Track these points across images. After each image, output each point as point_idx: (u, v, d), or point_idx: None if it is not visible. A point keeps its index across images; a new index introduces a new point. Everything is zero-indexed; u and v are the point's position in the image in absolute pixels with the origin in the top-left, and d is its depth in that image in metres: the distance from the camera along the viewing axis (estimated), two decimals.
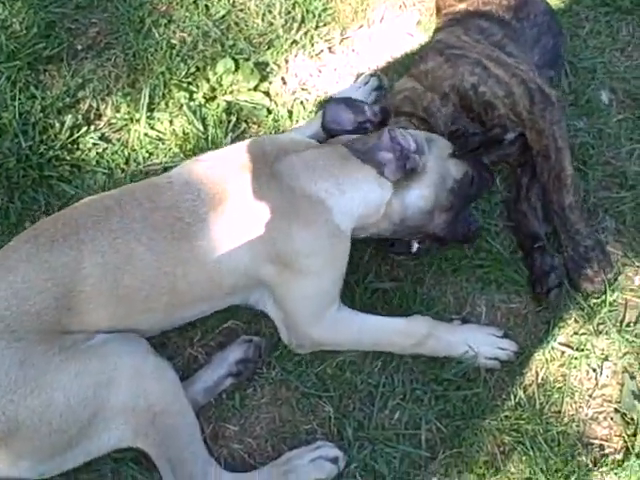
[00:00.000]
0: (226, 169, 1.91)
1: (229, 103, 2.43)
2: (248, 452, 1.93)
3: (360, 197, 1.90)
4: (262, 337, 2.03)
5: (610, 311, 2.15)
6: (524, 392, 2.03)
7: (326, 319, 1.92)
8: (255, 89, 2.47)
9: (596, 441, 2.00)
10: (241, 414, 1.97)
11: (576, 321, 2.16)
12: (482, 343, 2.03)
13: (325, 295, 1.91)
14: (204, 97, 2.43)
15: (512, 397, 2.02)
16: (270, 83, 2.50)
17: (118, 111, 2.41)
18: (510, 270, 2.20)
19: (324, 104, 2.27)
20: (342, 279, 1.94)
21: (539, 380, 2.06)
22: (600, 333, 2.13)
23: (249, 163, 1.90)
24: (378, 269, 2.16)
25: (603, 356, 2.11)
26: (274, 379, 2.01)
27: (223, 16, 2.64)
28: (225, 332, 2.07)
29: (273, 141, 1.99)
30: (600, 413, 2.04)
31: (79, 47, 2.55)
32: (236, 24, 2.63)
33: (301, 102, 2.48)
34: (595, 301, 2.17)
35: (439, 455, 1.93)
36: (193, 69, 2.49)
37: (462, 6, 2.42)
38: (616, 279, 2.17)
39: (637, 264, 2.24)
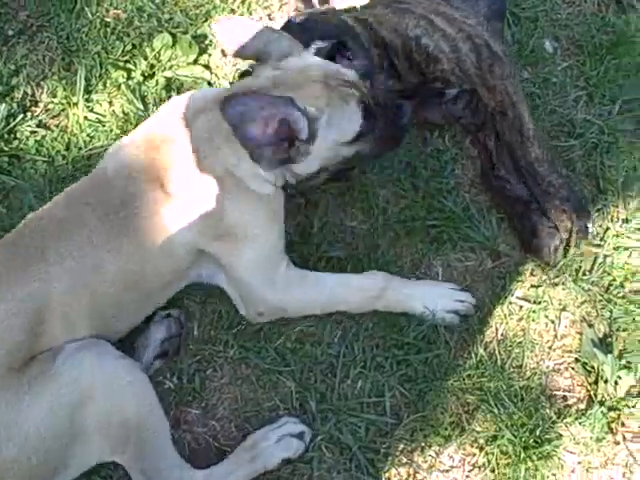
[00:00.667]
0: (152, 147, 1.75)
1: (169, 79, 2.28)
2: (212, 435, 1.83)
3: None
4: (180, 309, 1.92)
5: (566, 262, 2.05)
6: (485, 349, 1.95)
7: (278, 280, 1.81)
8: (195, 63, 2.32)
9: (559, 392, 1.93)
10: (202, 397, 1.87)
11: (532, 274, 2.07)
12: (440, 296, 1.95)
13: (270, 257, 1.80)
14: (142, 75, 2.27)
15: (473, 356, 1.93)
16: (210, 55, 2.35)
17: (55, 96, 2.25)
18: (464, 227, 2.11)
19: None
20: (282, 237, 1.84)
21: (499, 336, 1.98)
22: (557, 285, 2.05)
23: (171, 135, 1.75)
24: (331, 237, 2.05)
25: (561, 307, 2.03)
26: (233, 358, 1.90)
27: None
28: None
29: (192, 101, 1.83)
30: (561, 364, 1.97)
31: (10, 32, 2.37)
32: None
33: (242, 73, 2.32)
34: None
35: (404, 420, 1.85)
36: (129, 47, 2.33)
37: None
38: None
39: (589, 211, 2.14)
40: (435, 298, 1.93)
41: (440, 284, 1.99)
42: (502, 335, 1.98)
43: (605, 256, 2.09)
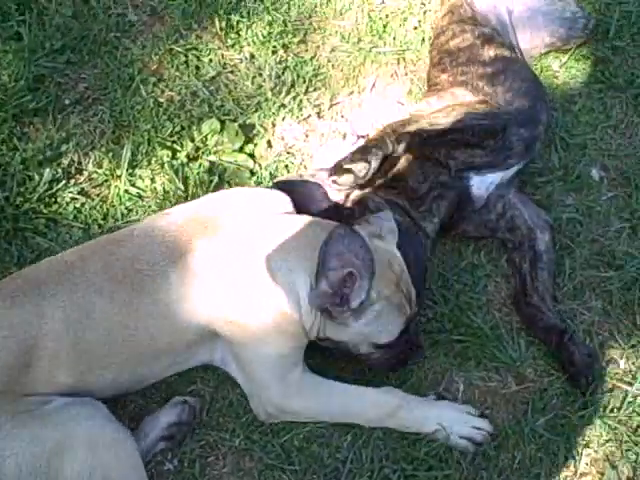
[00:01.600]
0: (189, 223, 1.97)
1: (212, 163, 2.53)
2: None
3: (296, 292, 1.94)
4: (197, 396, 2.06)
5: (593, 395, 2.16)
6: (498, 476, 2.04)
7: (290, 383, 1.97)
8: (240, 150, 2.56)
9: None
10: None
11: (557, 403, 2.17)
12: (456, 421, 2.05)
13: (285, 358, 1.96)
14: (187, 156, 2.52)
15: None
16: (255, 145, 2.59)
17: (100, 167, 2.50)
18: (490, 346, 2.24)
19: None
20: (303, 344, 1.99)
21: (515, 464, 2.07)
22: (582, 418, 2.14)
23: (213, 219, 1.97)
24: None
25: (584, 442, 2.12)
26: (237, 448, 2.03)
27: (213, 77, 2.76)
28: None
29: (243, 197, 2.06)
30: None
31: (67, 101, 2.66)
32: (225, 85, 2.75)
33: (285, 165, 2.57)
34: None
35: None
36: (178, 128, 2.59)
37: (444, 77, 2.54)
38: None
39: (623, 347, 2.26)
40: (451, 422, 2.05)
41: (457, 407, 2.10)
42: (518, 464, 2.07)
43: (636, 396, 2.18)
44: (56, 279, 1.88)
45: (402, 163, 2.33)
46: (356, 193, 2.31)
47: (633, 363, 2.25)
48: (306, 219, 2.02)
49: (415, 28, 2.95)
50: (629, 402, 2.18)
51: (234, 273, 1.92)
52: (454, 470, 2.02)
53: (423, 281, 2.20)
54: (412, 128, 2.26)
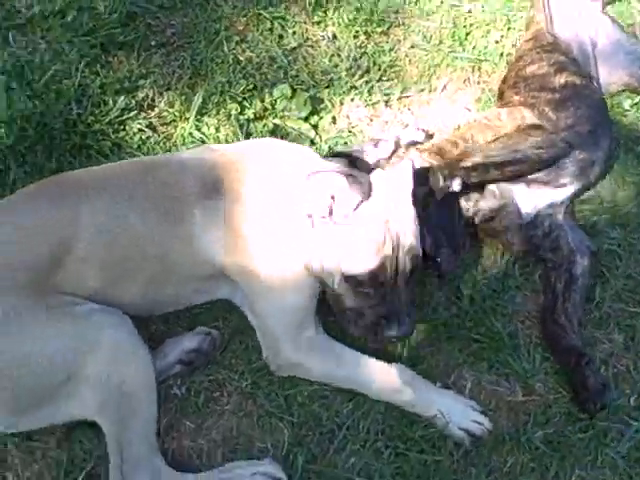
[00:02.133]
0: (226, 164, 2.10)
1: (276, 126, 2.65)
2: (197, 453, 2.04)
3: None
4: (220, 331, 2.18)
5: (596, 421, 2.21)
6: (487, 475, 2.10)
7: (302, 339, 2.07)
8: (305, 120, 2.68)
9: None
10: (202, 414, 2.09)
11: (559, 421, 2.22)
12: (457, 411, 2.12)
13: (297, 313, 2.06)
14: (254, 114, 2.65)
15: (473, 477, 2.08)
16: (320, 118, 2.71)
17: (171, 107, 2.64)
18: (505, 353, 2.30)
19: None
20: (315, 301, 2.11)
21: (506, 468, 2.13)
22: (581, 440, 2.19)
23: (248, 164, 2.10)
24: None
25: (578, 463, 2.17)
26: (243, 390, 2.13)
27: (294, 48, 2.89)
28: None
29: (284, 149, 2.19)
30: None
31: (152, 42, 2.81)
32: (303, 58, 2.87)
33: (345, 142, 2.68)
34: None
35: None
36: (251, 87, 2.72)
37: (516, 98, 2.63)
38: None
39: (637, 383, 2.30)
40: (452, 411, 2.12)
41: (461, 399, 2.17)
42: (509, 468, 2.13)
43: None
44: (95, 187, 2.02)
45: None
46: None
47: None
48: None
49: (496, 42, 3.04)
50: (631, 437, 2.21)
51: (255, 222, 2.04)
52: (445, 458, 2.08)
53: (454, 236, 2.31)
54: (467, 163, 2.35)
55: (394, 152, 2.54)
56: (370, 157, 2.50)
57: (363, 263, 1.95)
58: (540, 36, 2.84)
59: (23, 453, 1.98)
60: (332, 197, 1.94)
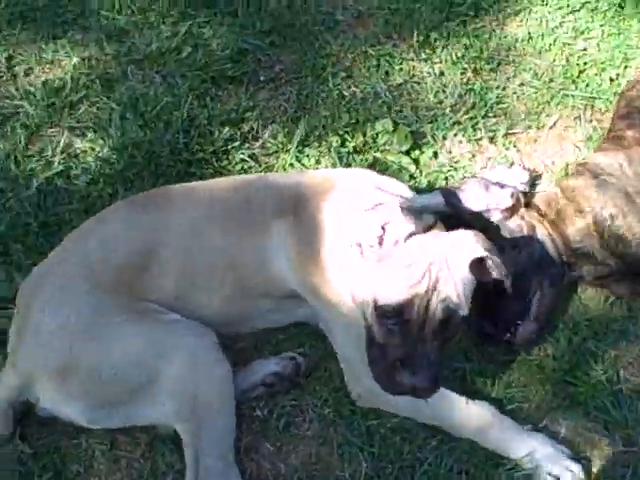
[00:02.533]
0: (309, 189, 2.17)
1: (376, 159, 2.70)
2: (274, 475, 2.07)
3: None
4: (305, 358, 2.21)
5: None
6: None
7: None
8: (406, 154, 2.72)
9: None
10: (282, 437, 2.13)
11: None
12: (549, 456, 2.05)
13: None
14: (355, 148, 2.71)
15: None
16: (422, 152, 2.74)
17: (275, 138, 2.76)
18: (606, 400, 2.21)
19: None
20: None
21: None
22: None
23: (336, 190, 2.15)
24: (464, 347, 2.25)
25: None
26: (325, 417, 2.15)
27: (399, 84, 2.96)
28: None
29: (375, 181, 2.22)
30: None
31: (262, 77, 2.96)
32: (408, 94, 2.93)
33: (445, 177, 2.69)
34: None
35: None
36: (353, 121, 2.80)
37: (630, 133, 2.53)
38: None
39: None
40: (541, 455, 2.05)
41: (552, 443, 2.09)
42: None
43: None
44: (184, 199, 2.18)
45: None
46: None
47: None
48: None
49: (611, 80, 2.98)
50: None
51: (326, 247, 2.08)
52: None
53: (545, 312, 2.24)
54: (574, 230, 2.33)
55: (514, 208, 2.45)
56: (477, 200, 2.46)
57: (393, 293, 1.93)
58: None
59: (108, 461, 2.07)
60: (383, 228, 1.95)
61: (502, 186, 2.48)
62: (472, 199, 2.40)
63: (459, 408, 2.08)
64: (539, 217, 2.37)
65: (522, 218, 2.38)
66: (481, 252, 1.96)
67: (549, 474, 2.04)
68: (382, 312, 1.94)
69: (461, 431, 2.09)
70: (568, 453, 2.09)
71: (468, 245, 1.98)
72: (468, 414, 2.07)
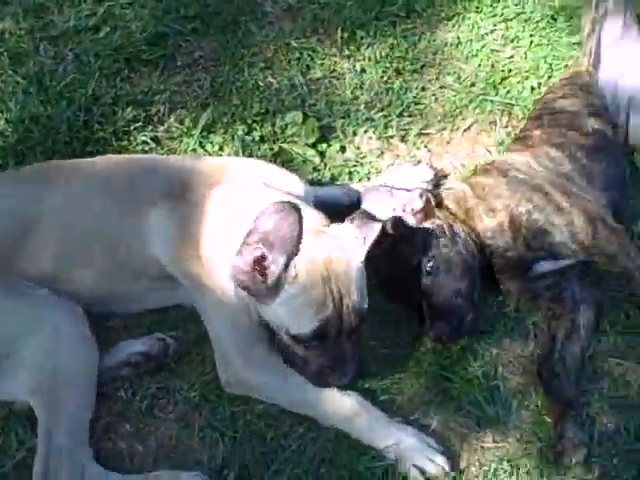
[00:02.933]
0: (195, 175, 2.17)
1: (282, 150, 2.72)
2: (130, 456, 2.06)
3: None
4: (177, 340, 2.18)
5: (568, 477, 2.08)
6: None
7: (252, 357, 2.07)
8: (312, 146, 2.73)
9: None
10: (143, 419, 2.12)
11: (528, 473, 2.10)
12: (414, 448, 2.05)
13: (248, 331, 2.07)
14: (261, 137, 2.72)
15: None
16: (329, 146, 2.76)
17: (181, 123, 2.76)
18: (480, 396, 2.21)
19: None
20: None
21: None
22: None
23: (228, 180, 2.15)
24: None
25: None
26: (191, 400, 2.14)
27: (318, 78, 2.97)
28: None
29: (268, 174, 2.23)
30: None
31: (179, 63, 2.98)
32: (325, 88, 2.95)
33: (350, 172, 2.71)
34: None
35: None
36: (264, 111, 2.80)
37: (537, 133, 2.58)
38: None
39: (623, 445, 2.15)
40: (408, 447, 2.05)
41: (419, 435, 2.09)
42: None
43: None
44: (67, 174, 2.19)
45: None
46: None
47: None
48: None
49: (533, 89, 3.01)
50: None
51: (210, 236, 2.08)
52: None
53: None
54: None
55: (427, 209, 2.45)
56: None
57: (304, 324, 1.98)
58: (578, 75, 2.78)
59: None
60: (260, 261, 1.94)
61: (408, 190, 2.46)
62: (376, 207, 2.37)
63: (327, 397, 2.09)
64: (451, 216, 2.37)
65: (438, 218, 2.38)
66: (362, 251, 2.04)
67: (413, 465, 2.03)
68: (297, 339, 2.01)
69: (328, 419, 2.09)
70: (435, 446, 2.08)
71: (350, 242, 2.04)
72: (336, 403, 2.07)
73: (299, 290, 1.96)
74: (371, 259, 2.12)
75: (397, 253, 2.20)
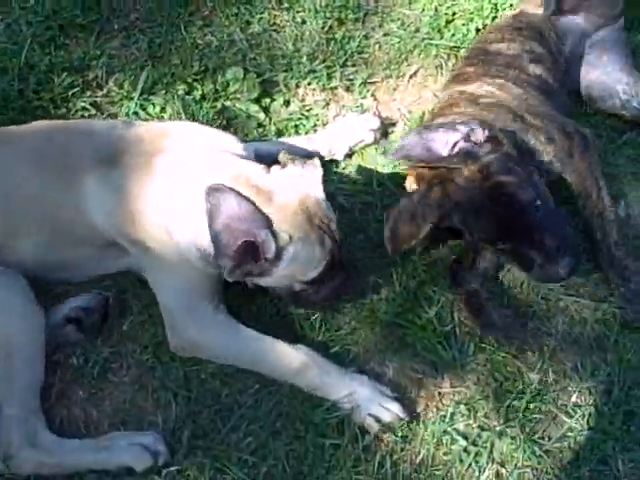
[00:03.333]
0: (132, 140, 2.14)
1: (225, 107, 2.69)
2: (86, 422, 2.08)
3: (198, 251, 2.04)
4: (114, 293, 2.22)
5: (526, 417, 2.11)
6: (392, 465, 2.05)
7: (200, 317, 2.08)
8: (255, 102, 2.71)
9: None
10: (96, 384, 2.13)
11: (485, 416, 2.13)
12: (367, 397, 2.07)
13: (193, 290, 2.07)
14: (202, 96, 2.70)
15: (376, 464, 2.03)
16: (273, 100, 2.74)
17: (121, 87, 2.73)
18: (435, 341, 2.24)
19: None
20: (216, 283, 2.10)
21: (416, 460, 2.07)
22: (503, 435, 2.09)
23: (164, 144, 2.12)
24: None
25: (499, 460, 2.06)
26: (143, 363, 2.15)
27: (258, 33, 2.94)
28: None
29: (203, 136, 2.19)
30: None
31: (115, 26, 2.92)
32: (266, 42, 2.91)
33: (295, 125, 2.69)
34: (515, 403, 2.13)
35: None
36: (203, 69, 2.77)
37: (470, 69, 2.60)
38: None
39: (583, 380, 2.18)
40: (363, 396, 2.08)
41: (372, 384, 2.12)
42: (420, 460, 2.05)
43: (574, 429, 2.10)
44: (2, 141, 2.14)
45: None
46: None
47: (584, 399, 2.16)
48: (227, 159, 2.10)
49: (478, 30, 2.99)
50: (565, 435, 2.10)
51: (152, 200, 2.06)
52: (346, 442, 2.02)
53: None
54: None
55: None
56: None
57: (315, 268, 2.05)
58: (523, 17, 2.76)
59: None
60: (244, 251, 1.94)
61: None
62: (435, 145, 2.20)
63: (278, 352, 2.10)
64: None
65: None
66: (317, 182, 2.09)
67: (368, 414, 2.05)
68: (310, 282, 2.07)
69: (280, 375, 2.11)
70: (389, 394, 2.11)
71: (302, 179, 2.07)
72: (285, 358, 2.09)
73: (298, 244, 1.98)
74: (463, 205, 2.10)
75: (504, 192, 2.09)
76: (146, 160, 2.09)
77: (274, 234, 1.94)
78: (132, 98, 2.69)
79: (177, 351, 2.12)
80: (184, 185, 2.03)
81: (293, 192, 2.01)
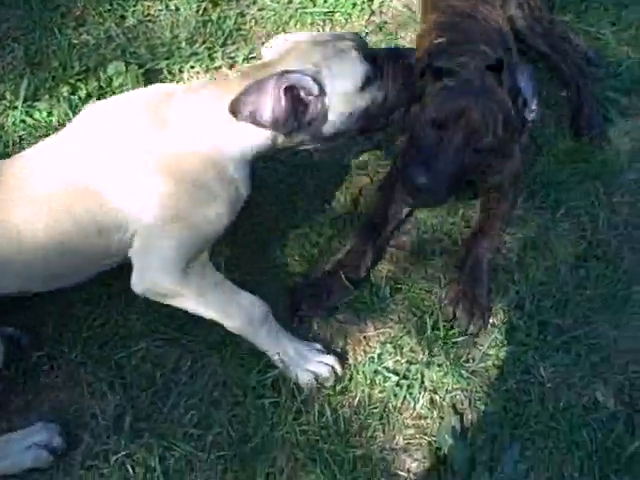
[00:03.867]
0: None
1: None
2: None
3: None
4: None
5: (448, 344, 2.24)
6: (332, 411, 2.13)
7: (177, 268, 2.00)
8: None
9: (402, 472, 2.06)
10: (31, 391, 2.14)
11: (412, 350, 2.25)
12: (301, 355, 2.15)
13: (196, 245, 2.03)
14: (88, 94, 2.72)
15: (316, 413, 2.11)
16: None
17: (3, 98, 2.71)
18: (358, 289, 2.33)
19: None
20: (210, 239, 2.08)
21: (354, 402, 2.15)
22: (432, 365, 2.21)
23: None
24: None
25: (432, 388, 2.18)
26: (73, 360, 2.18)
27: (134, 25, 2.98)
28: None
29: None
30: (412, 444, 2.10)
31: None
32: (143, 33, 2.96)
33: None
34: (436, 333, 2.26)
35: (221, 460, 2.02)
36: (85, 68, 2.79)
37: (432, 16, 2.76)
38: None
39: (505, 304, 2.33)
40: (296, 355, 2.15)
41: (308, 344, 2.20)
42: (358, 402, 2.15)
43: (494, 347, 2.25)
44: None
45: None
46: None
47: (500, 318, 2.31)
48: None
49: None
50: (487, 354, 2.23)
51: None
52: (284, 398, 2.11)
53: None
54: None
55: None
56: None
57: (361, 72, 2.06)
58: None
59: None
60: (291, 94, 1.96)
61: None
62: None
63: (241, 299, 2.08)
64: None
65: None
66: None
67: (305, 370, 2.14)
68: (366, 86, 2.09)
69: (234, 323, 2.08)
70: (319, 348, 2.20)
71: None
72: (248, 307, 2.08)
73: (326, 63, 2.02)
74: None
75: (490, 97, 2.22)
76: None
77: (300, 72, 1.97)
78: (16, 107, 2.69)
79: (142, 292, 2.03)
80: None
81: (284, 44, 2.11)
